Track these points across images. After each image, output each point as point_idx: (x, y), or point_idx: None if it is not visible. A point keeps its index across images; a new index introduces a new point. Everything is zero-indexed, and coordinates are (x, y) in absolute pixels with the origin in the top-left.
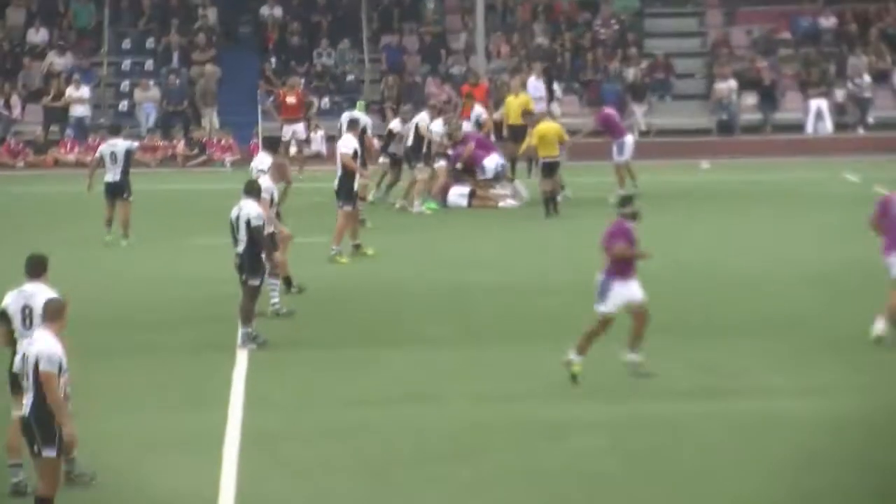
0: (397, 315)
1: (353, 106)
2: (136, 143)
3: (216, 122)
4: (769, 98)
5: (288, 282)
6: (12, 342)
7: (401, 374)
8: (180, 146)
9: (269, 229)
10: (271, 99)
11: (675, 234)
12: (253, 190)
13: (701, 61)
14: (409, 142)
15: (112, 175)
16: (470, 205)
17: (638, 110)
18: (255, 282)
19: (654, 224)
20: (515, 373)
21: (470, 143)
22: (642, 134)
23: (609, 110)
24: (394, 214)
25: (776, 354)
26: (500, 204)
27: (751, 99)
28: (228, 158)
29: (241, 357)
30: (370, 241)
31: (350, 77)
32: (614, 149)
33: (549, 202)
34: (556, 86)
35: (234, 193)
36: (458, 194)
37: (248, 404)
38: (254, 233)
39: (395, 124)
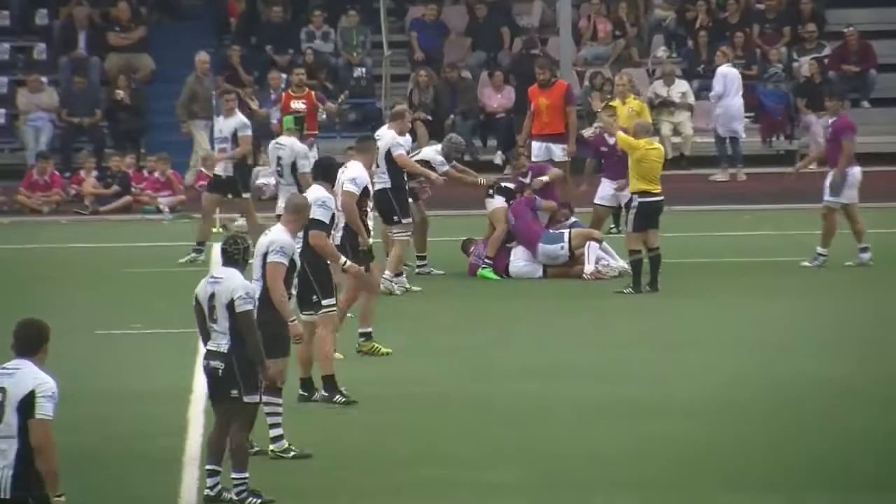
0: (433, 450)
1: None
2: None
3: (145, 143)
4: None
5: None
6: None
7: None
8: (89, 181)
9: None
10: (271, 105)
11: None
12: (236, 252)
13: None
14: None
15: None
16: (546, 274)
17: (816, 124)
18: (252, 397)
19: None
20: None
21: (547, 174)
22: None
23: (843, 121)
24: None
25: None
26: (589, 273)
27: None
28: (165, 200)
29: None
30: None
31: (359, 71)
32: (833, 183)
33: (639, 267)
34: (682, 85)
35: (178, 254)
36: (525, 259)
37: None
38: (240, 321)
39: (429, 151)
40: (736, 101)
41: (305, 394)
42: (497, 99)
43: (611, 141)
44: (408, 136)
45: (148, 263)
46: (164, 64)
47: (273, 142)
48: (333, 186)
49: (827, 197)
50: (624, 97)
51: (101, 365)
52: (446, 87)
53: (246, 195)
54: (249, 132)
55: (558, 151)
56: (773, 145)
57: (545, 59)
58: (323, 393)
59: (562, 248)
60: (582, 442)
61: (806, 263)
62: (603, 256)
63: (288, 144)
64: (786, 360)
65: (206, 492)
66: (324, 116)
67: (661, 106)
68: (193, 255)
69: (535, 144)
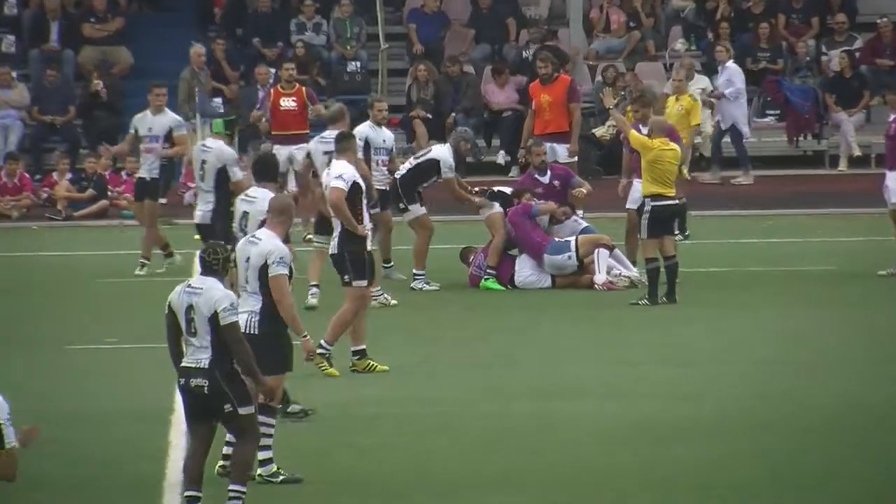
0: (435, 475)
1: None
2: None
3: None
4: None
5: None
6: None
7: None
8: (63, 184)
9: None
10: (259, 106)
11: None
12: (216, 262)
13: None
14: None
15: None
16: (554, 284)
17: (847, 122)
18: (247, 409)
19: None
20: None
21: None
22: (853, 161)
23: None
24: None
25: None
26: (601, 283)
27: None
28: None
29: None
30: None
31: (353, 65)
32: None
33: (656, 276)
34: (702, 80)
35: (158, 263)
36: (531, 269)
37: None
38: (226, 333)
39: (441, 151)
40: (743, 100)
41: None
42: (502, 95)
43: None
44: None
45: (125, 273)
46: (143, 58)
47: (199, 144)
48: (276, 184)
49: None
50: (680, 92)
51: (73, 383)
52: (447, 82)
53: (162, 200)
54: (185, 131)
55: (562, 151)
56: (801, 145)
57: (546, 52)
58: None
59: (569, 257)
60: (596, 467)
61: (882, 273)
62: (615, 265)
63: (215, 148)
64: (813, 379)
65: None
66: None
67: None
68: (168, 261)
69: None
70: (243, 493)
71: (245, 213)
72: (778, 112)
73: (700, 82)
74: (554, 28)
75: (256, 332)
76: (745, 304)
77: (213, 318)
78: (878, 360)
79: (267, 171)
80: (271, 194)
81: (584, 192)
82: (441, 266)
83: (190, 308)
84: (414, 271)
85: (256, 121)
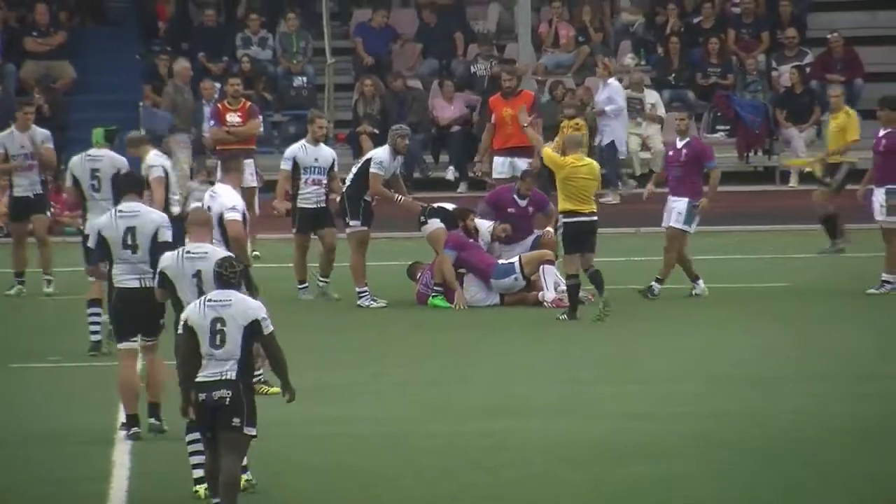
0: (388, 495)
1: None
2: None
3: (64, 159)
4: None
5: None
6: None
7: None
8: (2, 199)
9: None
10: (211, 122)
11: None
12: (232, 275)
13: None
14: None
15: None
16: (503, 302)
17: (797, 138)
18: (251, 430)
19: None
20: None
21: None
22: (804, 177)
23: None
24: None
25: None
26: (550, 300)
27: None
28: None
29: None
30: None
31: (300, 80)
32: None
33: (575, 292)
34: (651, 95)
35: None
36: (478, 287)
37: None
38: (270, 342)
39: (375, 150)
40: (623, 117)
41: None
42: (450, 110)
43: (670, 153)
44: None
45: (68, 289)
46: (86, 72)
47: (84, 154)
48: (141, 196)
49: (886, 216)
50: (837, 110)
51: (15, 401)
52: (394, 97)
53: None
54: (52, 144)
55: (523, 166)
56: (751, 161)
57: (512, 65)
58: (153, 421)
59: (515, 278)
60: (549, 485)
61: (872, 291)
62: (561, 281)
63: (106, 156)
64: (763, 395)
65: None
66: (261, 130)
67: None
68: (18, 287)
69: (499, 159)
70: None
71: (129, 228)
72: (728, 128)
73: (649, 97)
74: (502, 43)
75: None
76: (698, 320)
77: (250, 328)
78: (834, 377)
79: (131, 185)
80: (144, 206)
81: (552, 235)
82: (387, 283)
83: (217, 321)
84: (357, 289)
85: (218, 140)
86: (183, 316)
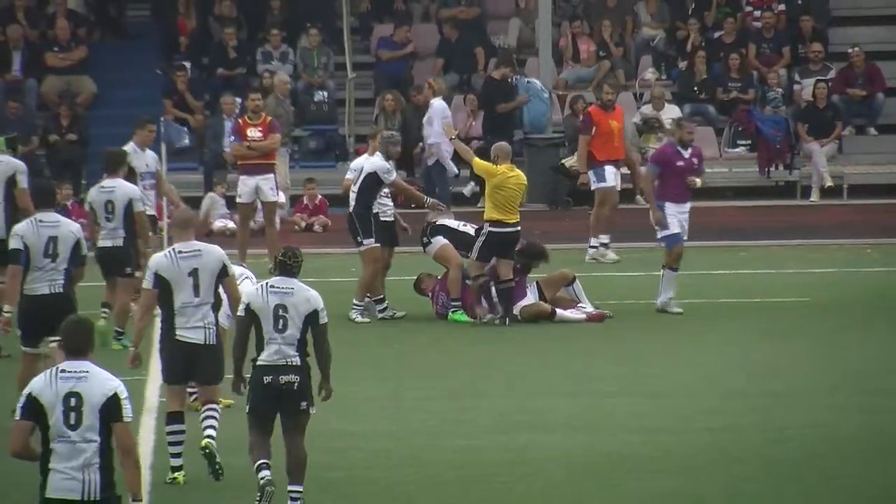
0: None
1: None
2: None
3: (86, 174)
4: None
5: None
6: None
7: None
8: None
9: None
10: (232, 138)
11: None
12: (295, 265)
13: None
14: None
15: None
16: (521, 316)
17: (819, 152)
18: (312, 409)
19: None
20: None
21: None
22: (826, 192)
23: None
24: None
25: None
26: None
27: None
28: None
29: None
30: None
31: (321, 94)
32: None
33: (486, 290)
34: (672, 110)
35: None
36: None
37: None
38: (323, 332)
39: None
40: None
41: None
42: (471, 124)
43: (680, 163)
44: None
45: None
46: (106, 87)
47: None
48: (55, 209)
49: None
50: None
51: None
52: (415, 111)
53: None
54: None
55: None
56: (772, 176)
57: (615, 79)
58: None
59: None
60: (567, 499)
61: None
62: (581, 298)
63: (3, 160)
64: (784, 409)
65: (267, 479)
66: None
67: (648, 129)
68: None
69: (609, 169)
70: (302, 492)
71: (51, 238)
72: (749, 142)
73: (670, 111)
74: (523, 57)
75: (215, 343)
76: (717, 335)
77: (311, 316)
78: (850, 392)
79: (45, 198)
80: (57, 217)
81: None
82: (407, 296)
83: (280, 307)
84: (354, 300)
85: (239, 155)
86: (244, 300)
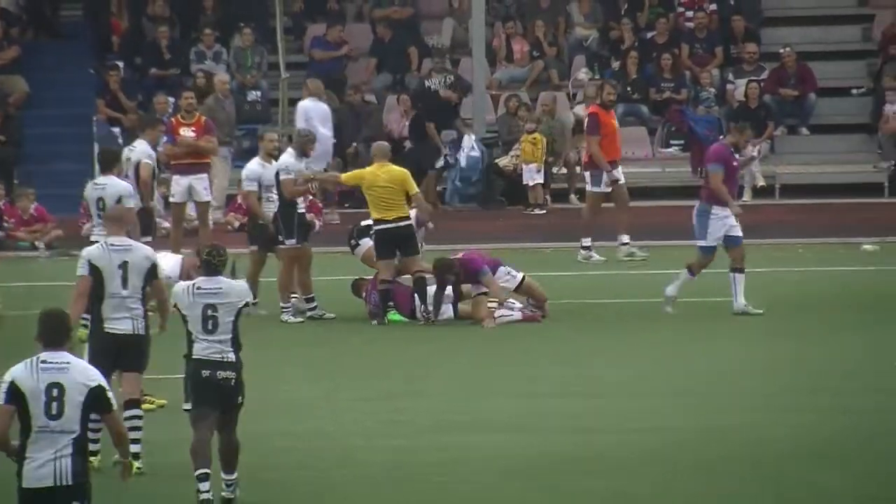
0: None
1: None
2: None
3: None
4: None
5: None
6: None
7: None
8: None
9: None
10: (164, 137)
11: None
12: (221, 263)
13: (863, 66)
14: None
15: None
16: (456, 315)
17: (751, 152)
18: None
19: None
20: None
21: None
22: (758, 192)
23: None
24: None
25: None
26: (502, 316)
27: None
28: (42, 237)
29: None
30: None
31: (254, 94)
32: None
33: (388, 297)
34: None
35: (57, 295)
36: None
37: None
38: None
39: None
40: (327, 137)
41: None
42: (404, 125)
43: (734, 163)
44: None
45: (23, 306)
46: (39, 86)
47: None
48: None
49: None
50: None
51: None
52: (349, 111)
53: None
54: None
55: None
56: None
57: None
58: None
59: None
60: (504, 500)
61: None
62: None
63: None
64: (718, 410)
65: (206, 496)
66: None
67: (580, 130)
68: None
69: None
70: (237, 478)
71: None
72: (682, 142)
73: None
74: (456, 57)
75: (143, 334)
76: (654, 335)
77: (239, 314)
78: (785, 392)
79: None
80: None
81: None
82: (338, 298)
83: (209, 307)
84: (280, 304)
85: (172, 154)
86: (172, 300)
